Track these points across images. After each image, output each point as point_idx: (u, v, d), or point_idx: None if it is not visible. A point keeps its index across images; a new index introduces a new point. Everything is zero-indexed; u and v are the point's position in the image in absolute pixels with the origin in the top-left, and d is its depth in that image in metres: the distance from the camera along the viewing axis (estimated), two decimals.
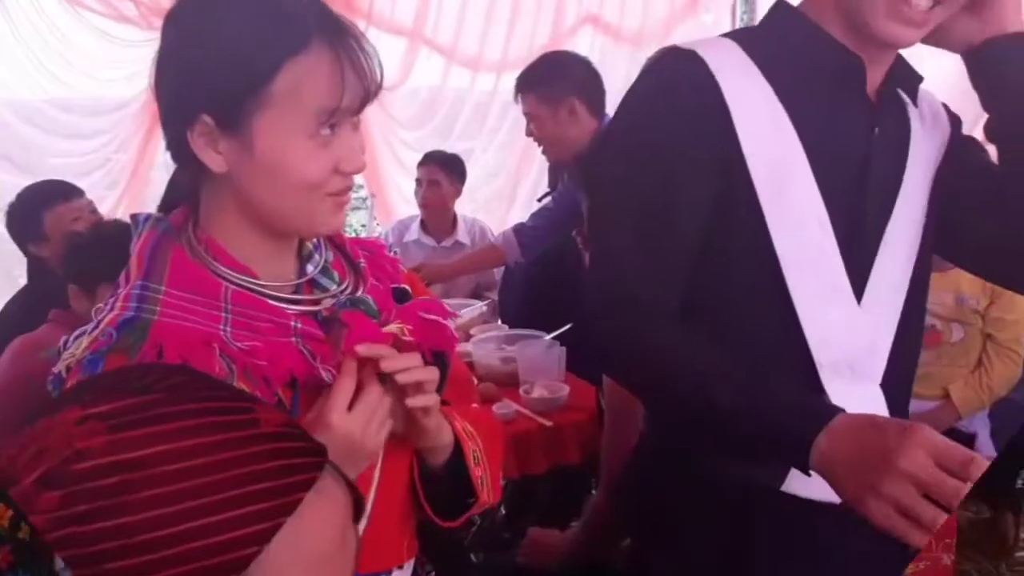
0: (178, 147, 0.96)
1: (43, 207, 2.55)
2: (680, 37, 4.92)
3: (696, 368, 1.13)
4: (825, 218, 1.18)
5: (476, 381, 2.71)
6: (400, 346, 1.03)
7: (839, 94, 1.21)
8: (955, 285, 2.41)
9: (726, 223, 1.19)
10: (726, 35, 1.28)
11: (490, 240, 3.58)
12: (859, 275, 1.22)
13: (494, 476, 1.20)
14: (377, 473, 1.05)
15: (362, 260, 1.11)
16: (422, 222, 3.94)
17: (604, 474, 1.98)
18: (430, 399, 1.02)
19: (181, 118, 0.94)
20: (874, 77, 1.23)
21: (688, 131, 1.18)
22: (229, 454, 0.57)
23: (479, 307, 3.43)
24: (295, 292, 1.03)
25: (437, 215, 3.90)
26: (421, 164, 3.86)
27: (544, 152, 3.00)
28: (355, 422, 0.95)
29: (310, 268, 1.05)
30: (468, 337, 3.12)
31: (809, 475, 1.02)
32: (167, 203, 1.06)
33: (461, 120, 4.76)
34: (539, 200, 3.48)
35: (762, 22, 1.31)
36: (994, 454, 2.48)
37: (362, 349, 0.98)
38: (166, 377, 0.62)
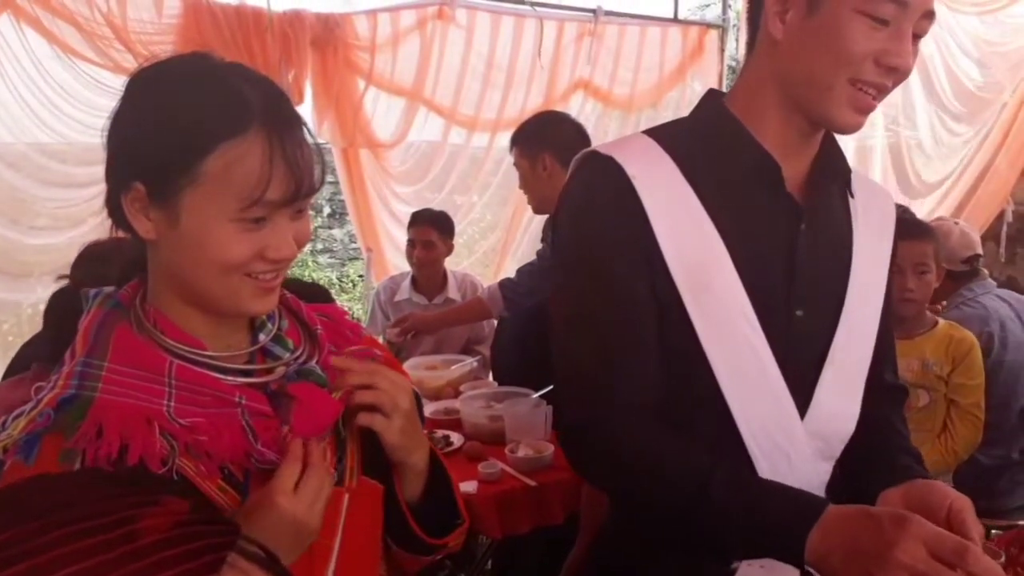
0: (114, 207, 0.97)
1: None
2: (670, 103, 5.08)
3: (686, 466, 1.15)
4: (753, 317, 1.20)
5: (463, 439, 2.80)
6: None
7: (760, 193, 1.23)
8: (920, 352, 2.51)
9: (661, 321, 1.21)
10: (649, 131, 1.30)
11: (477, 295, 3.64)
12: (803, 380, 1.25)
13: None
14: (337, 542, 1.05)
15: (319, 327, 1.11)
16: (413, 280, 3.99)
17: (582, 534, 2.04)
18: (378, 418, 1.05)
19: (119, 181, 0.95)
20: (800, 168, 1.27)
21: (615, 235, 1.20)
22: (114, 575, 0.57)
23: (470, 363, 3.51)
24: (248, 362, 1.03)
25: (429, 273, 3.96)
26: (413, 224, 3.92)
27: (530, 203, 3.15)
28: (301, 503, 0.95)
29: (262, 337, 1.05)
30: (458, 393, 3.19)
31: (804, 569, 1.04)
32: (124, 276, 1.05)
33: (455, 175, 4.85)
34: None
35: (691, 115, 1.33)
36: None
37: (337, 361, 1.04)
38: (38, 500, 0.62)
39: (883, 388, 1.38)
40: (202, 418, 0.95)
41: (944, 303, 3.23)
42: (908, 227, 2.53)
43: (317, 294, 2.42)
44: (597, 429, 1.21)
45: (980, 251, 3.21)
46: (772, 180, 1.23)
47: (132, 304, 1.01)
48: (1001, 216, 5.42)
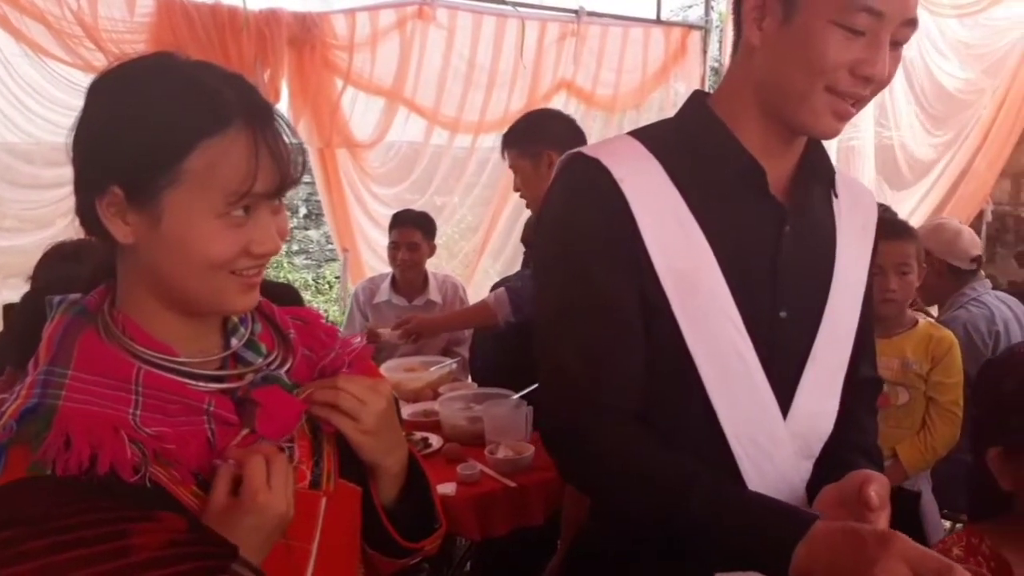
0: (87, 215, 0.96)
1: None
2: (653, 104, 5.09)
3: (670, 477, 1.14)
4: (739, 320, 1.20)
5: (442, 441, 2.78)
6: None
7: (745, 195, 1.24)
8: (900, 350, 2.51)
9: (648, 322, 1.21)
10: (634, 133, 1.29)
11: (482, 299, 3.53)
12: (785, 381, 1.25)
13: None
14: (315, 545, 1.04)
15: (292, 331, 1.10)
16: (393, 281, 3.96)
17: (563, 537, 2.02)
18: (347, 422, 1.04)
19: (92, 186, 0.94)
20: (785, 169, 1.28)
21: (603, 237, 1.20)
22: None
23: (449, 364, 3.48)
24: (220, 367, 1.02)
25: (412, 275, 3.94)
26: (395, 226, 3.89)
27: (529, 206, 3.09)
28: (277, 495, 0.95)
29: (234, 341, 1.04)
30: (436, 395, 3.17)
31: None
32: (90, 283, 1.04)
33: (438, 177, 4.82)
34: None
35: (676, 116, 1.33)
36: (936, 510, 2.56)
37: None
38: (32, 502, 0.61)
39: (857, 382, 1.38)
40: (168, 428, 0.94)
41: (923, 304, 3.25)
42: (891, 227, 2.53)
43: (286, 294, 2.39)
44: (582, 432, 1.20)
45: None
46: (757, 183, 1.23)
47: (100, 310, 0.99)
48: (981, 216, 5.46)
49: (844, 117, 1.18)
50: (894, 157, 5.32)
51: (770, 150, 1.24)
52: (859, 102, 1.17)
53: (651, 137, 1.26)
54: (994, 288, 3.28)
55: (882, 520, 1.13)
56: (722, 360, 1.21)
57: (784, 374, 1.25)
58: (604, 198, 1.19)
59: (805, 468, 1.30)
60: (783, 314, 1.25)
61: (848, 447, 1.33)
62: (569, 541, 1.98)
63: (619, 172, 1.19)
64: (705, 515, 1.10)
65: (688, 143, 1.25)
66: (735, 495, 1.13)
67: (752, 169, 1.23)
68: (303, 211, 7.89)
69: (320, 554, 1.04)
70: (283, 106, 4.20)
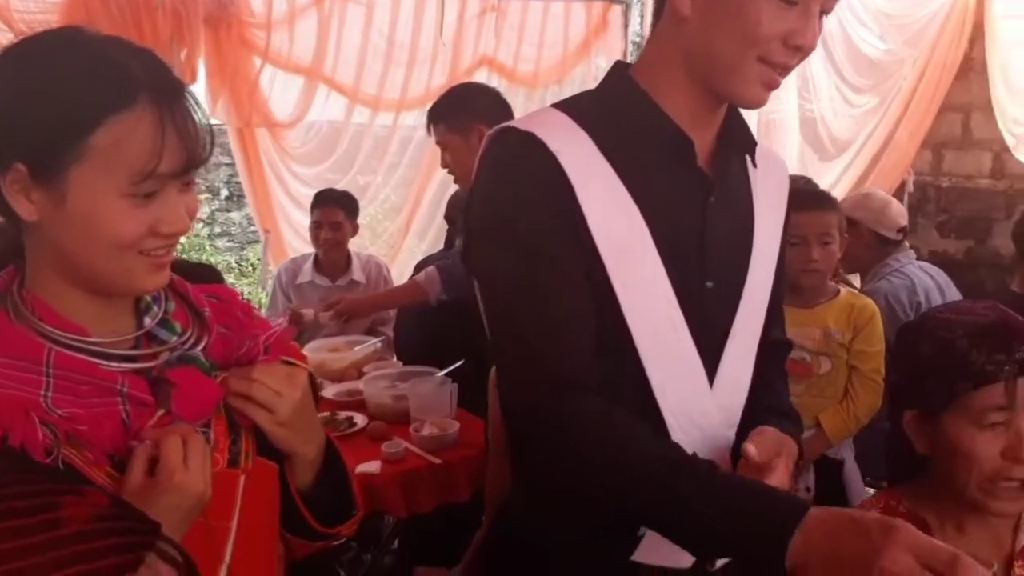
0: None
1: None
2: (575, 79, 5.07)
3: (652, 461, 1.10)
4: (671, 293, 1.21)
5: (367, 420, 2.74)
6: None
7: (673, 167, 1.23)
8: (822, 321, 2.53)
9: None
10: (559, 106, 1.27)
11: (413, 278, 3.47)
12: (710, 352, 1.26)
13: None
14: (235, 523, 1.04)
15: (207, 309, 1.08)
16: (316, 261, 3.91)
17: (487, 510, 2.01)
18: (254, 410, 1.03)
19: None
20: (707, 139, 1.27)
21: (546, 211, 1.17)
22: (29, 561, 0.55)
23: (373, 343, 3.45)
24: (134, 347, 1.01)
25: (335, 255, 3.90)
26: (317, 205, 3.84)
27: (457, 182, 3.04)
28: (195, 474, 0.94)
29: (147, 321, 1.03)
30: (361, 374, 3.14)
31: (784, 572, 0.99)
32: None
33: (361, 156, 4.76)
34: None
35: (599, 88, 1.31)
36: (859, 478, 2.60)
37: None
38: None
39: (768, 346, 1.39)
40: (81, 409, 0.92)
41: (844, 275, 3.30)
42: (812, 198, 2.56)
43: (205, 275, 2.33)
44: (554, 412, 1.15)
45: None
46: (685, 155, 1.23)
47: (8, 291, 0.97)
48: (902, 187, 5.55)
49: (772, 86, 1.19)
50: (816, 130, 5.38)
51: (696, 120, 1.24)
52: (785, 71, 1.18)
53: (576, 109, 1.24)
54: (917, 258, 3.34)
55: (775, 478, 1.15)
56: (657, 333, 1.20)
57: (709, 345, 1.26)
58: (542, 171, 1.16)
59: (729, 437, 1.31)
60: (710, 284, 1.26)
61: (762, 409, 1.34)
62: (492, 517, 1.96)
63: (554, 144, 1.17)
64: (693, 507, 1.05)
65: (613, 115, 1.23)
66: (724, 482, 1.07)
67: (679, 140, 1.22)
68: (224, 193, 7.71)
69: (239, 532, 1.04)
70: (200, 85, 4.11)
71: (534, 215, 1.18)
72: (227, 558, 1.02)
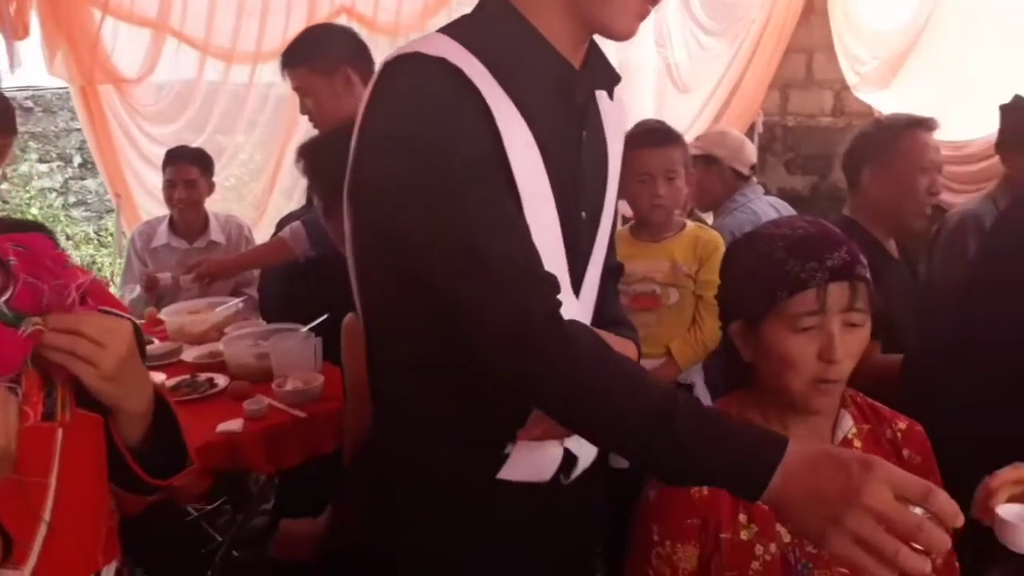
0: None
1: None
2: (436, 27, 4.99)
3: (645, 394, 1.08)
4: (559, 230, 1.22)
5: (229, 380, 2.69)
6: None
7: (557, 98, 1.22)
8: (669, 253, 2.61)
9: None
10: (448, 31, 1.19)
11: (277, 235, 3.33)
12: (577, 279, 1.30)
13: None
14: (53, 479, 1.01)
15: (12, 258, 1.05)
16: (171, 223, 3.79)
17: (346, 456, 2.02)
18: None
19: None
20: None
21: (476, 142, 1.12)
22: None
23: (234, 304, 3.37)
24: None
25: (192, 215, 3.78)
26: (170, 163, 3.70)
27: (317, 128, 2.87)
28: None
29: None
30: (223, 336, 3.07)
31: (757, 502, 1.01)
32: None
33: (216, 114, 4.60)
34: None
35: (478, 12, 1.25)
36: (710, 399, 2.71)
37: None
38: None
39: (607, 270, 1.44)
40: None
41: (699, 212, 3.41)
42: (656, 135, 2.63)
43: (33, 231, 2.24)
44: (539, 344, 1.10)
45: None
46: (569, 87, 1.23)
47: None
48: (752, 128, 5.75)
49: (643, 17, 1.20)
50: (670, 74, 5.52)
51: (571, 51, 1.23)
52: (654, 3, 1.19)
53: (465, 36, 1.16)
54: (765, 194, 3.49)
55: None
56: (549, 267, 1.18)
57: (578, 272, 1.30)
58: (463, 97, 1.10)
59: None
60: (583, 215, 1.29)
61: (606, 322, 1.40)
62: (352, 455, 1.98)
63: (469, 71, 1.10)
64: (683, 438, 1.03)
65: (498, 43, 1.18)
66: (711, 417, 1.06)
67: (565, 72, 1.22)
68: (78, 160, 7.31)
69: (60, 488, 1.01)
70: (35, 40, 3.87)
71: (466, 147, 1.11)
72: (47, 515, 1.00)
